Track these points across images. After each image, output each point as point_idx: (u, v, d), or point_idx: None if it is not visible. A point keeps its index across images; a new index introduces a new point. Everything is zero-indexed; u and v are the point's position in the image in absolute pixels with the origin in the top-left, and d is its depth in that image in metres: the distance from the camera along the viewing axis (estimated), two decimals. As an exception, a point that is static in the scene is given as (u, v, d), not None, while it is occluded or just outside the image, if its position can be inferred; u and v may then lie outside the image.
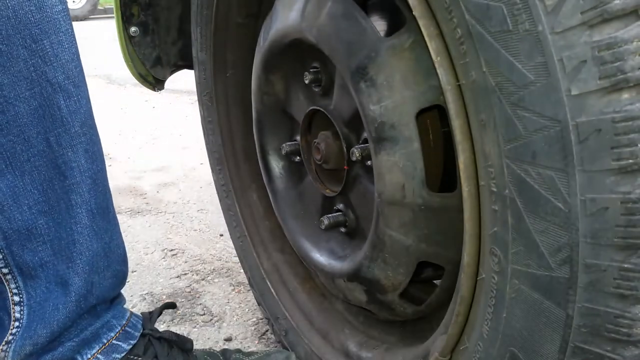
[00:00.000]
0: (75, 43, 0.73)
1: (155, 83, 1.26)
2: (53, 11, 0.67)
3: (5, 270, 0.73)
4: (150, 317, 0.87)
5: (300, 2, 0.79)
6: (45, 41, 0.67)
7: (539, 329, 0.51)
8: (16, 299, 0.75)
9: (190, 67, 1.28)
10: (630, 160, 0.41)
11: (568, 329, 0.48)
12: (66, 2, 0.70)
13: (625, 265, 0.43)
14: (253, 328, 1.26)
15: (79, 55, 0.74)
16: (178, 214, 1.97)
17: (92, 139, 0.76)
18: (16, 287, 0.74)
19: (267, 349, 1.07)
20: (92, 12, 11.23)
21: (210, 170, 1.29)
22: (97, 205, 0.78)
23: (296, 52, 0.87)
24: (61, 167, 0.72)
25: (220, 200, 1.29)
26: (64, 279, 0.77)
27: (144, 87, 1.28)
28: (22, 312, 0.75)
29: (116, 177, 2.37)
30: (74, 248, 0.76)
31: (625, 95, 0.41)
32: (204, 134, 1.26)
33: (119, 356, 0.81)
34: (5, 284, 0.74)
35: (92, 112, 0.76)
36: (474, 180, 0.55)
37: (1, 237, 0.71)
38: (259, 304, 1.20)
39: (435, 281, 0.87)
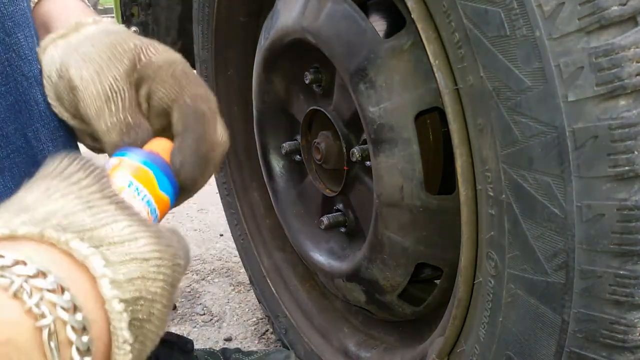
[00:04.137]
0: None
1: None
2: (23, 5, 0.66)
3: None
4: (151, 319, 0.87)
5: (301, 2, 0.79)
6: (19, 34, 0.65)
7: (534, 333, 0.51)
8: None
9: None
10: (627, 167, 0.41)
11: (564, 334, 0.48)
12: None
13: (621, 272, 0.43)
14: (253, 328, 1.26)
15: None
16: (178, 214, 1.96)
17: (71, 133, 0.75)
18: None
19: (267, 348, 1.07)
20: (92, 12, 11.20)
21: (211, 170, 1.29)
22: None
23: (297, 52, 0.87)
24: (41, 163, 0.72)
25: (221, 199, 1.29)
26: None
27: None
28: None
29: (116, 177, 2.37)
30: None
31: (622, 102, 0.41)
32: (206, 132, 1.26)
33: None
34: None
35: None
36: (471, 184, 0.55)
37: None
38: (259, 302, 1.20)
39: (435, 281, 0.87)
